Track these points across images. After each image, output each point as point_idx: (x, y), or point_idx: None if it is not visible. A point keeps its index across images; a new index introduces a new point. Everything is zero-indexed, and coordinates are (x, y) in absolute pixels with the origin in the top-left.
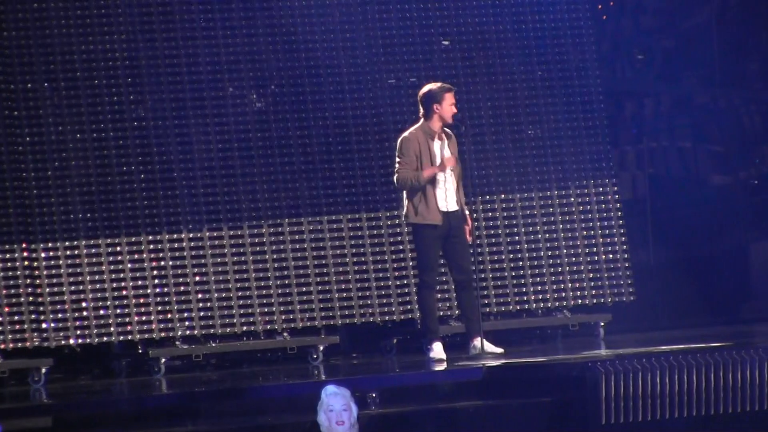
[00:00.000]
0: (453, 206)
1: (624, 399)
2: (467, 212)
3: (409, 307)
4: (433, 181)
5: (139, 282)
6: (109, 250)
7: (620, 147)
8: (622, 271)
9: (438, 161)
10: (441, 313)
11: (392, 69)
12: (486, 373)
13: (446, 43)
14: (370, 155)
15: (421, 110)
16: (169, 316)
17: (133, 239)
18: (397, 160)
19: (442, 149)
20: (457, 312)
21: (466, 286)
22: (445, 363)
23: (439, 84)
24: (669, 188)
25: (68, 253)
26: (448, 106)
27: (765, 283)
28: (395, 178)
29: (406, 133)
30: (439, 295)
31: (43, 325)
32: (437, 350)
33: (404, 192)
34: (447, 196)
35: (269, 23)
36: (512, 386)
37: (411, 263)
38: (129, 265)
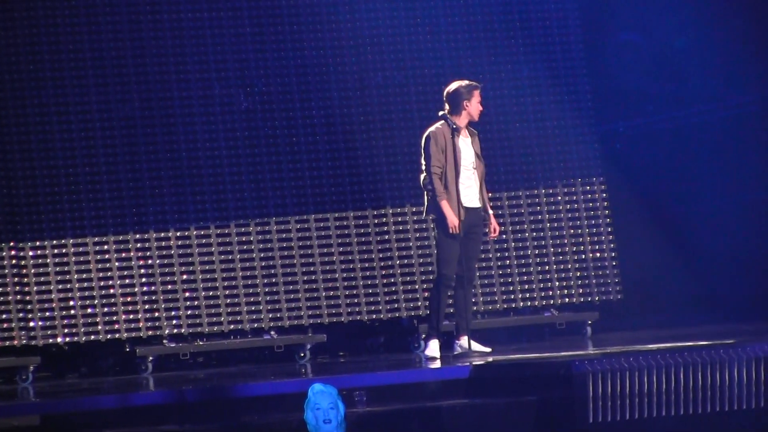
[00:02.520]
0: (475, 203)
1: (611, 398)
2: (491, 211)
3: (396, 305)
4: (456, 177)
5: (127, 281)
6: (97, 248)
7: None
8: (609, 270)
9: (463, 157)
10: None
11: (379, 68)
12: (473, 371)
13: None
14: (357, 154)
15: (447, 107)
16: (157, 314)
17: (121, 238)
18: (424, 155)
19: (466, 146)
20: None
21: (466, 284)
22: (439, 361)
23: (467, 81)
24: (657, 185)
25: (56, 251)
26: (476, 104)
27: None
28: (423, 177)
29: (432, 128)
30: (427, 294)
31: (31, 324)
32: (433, 348)
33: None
34: (469, 192)
35: (256, 22)
36: (499, 385)
37: (398, 262)
38: (116, 264)
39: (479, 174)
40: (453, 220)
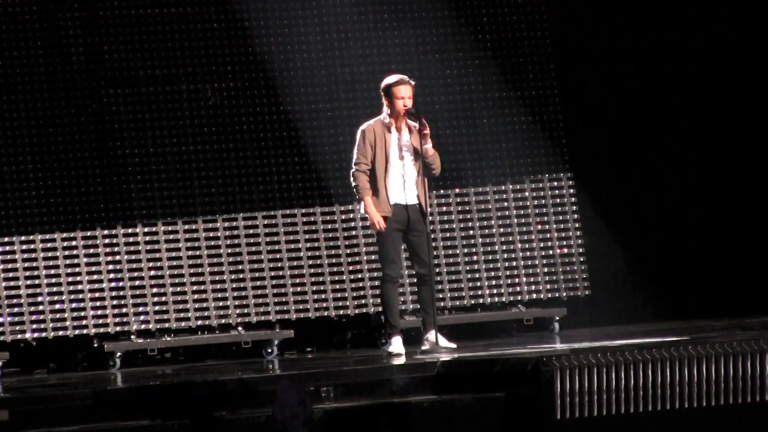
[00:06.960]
0: (412, 200)
1: (579, 394)
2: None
3: (363, 301)
4: (385, 172)
5: (95, 276)
6: (65, 244)
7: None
8: (577, 266)
9: (394, 153)
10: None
11: (346, 63)
12: (440, 367)
13: None
14: (324, 149)
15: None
16: (125, 310)
17: (89, 233)
18: (354, 151)
19: (400, 141)
20: (411, 307)
21: (427, 281)
22: (404, 357)
23: (395, 77)
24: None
25: (24, 247)
26: (396, 100)
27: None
28: (352, 173)
29: (364, 125)
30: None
31: None
32: (396, 345)
33: None
34: (405, 188)
35: (223, 17)
36: (466, 381)
37: (365, 257)
38: (84, 260)
39: (417, 169)
40: (373, 216)
